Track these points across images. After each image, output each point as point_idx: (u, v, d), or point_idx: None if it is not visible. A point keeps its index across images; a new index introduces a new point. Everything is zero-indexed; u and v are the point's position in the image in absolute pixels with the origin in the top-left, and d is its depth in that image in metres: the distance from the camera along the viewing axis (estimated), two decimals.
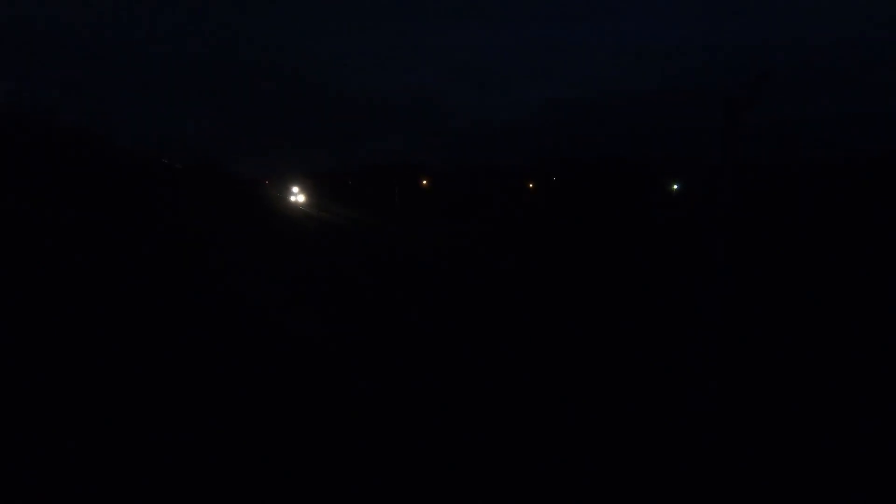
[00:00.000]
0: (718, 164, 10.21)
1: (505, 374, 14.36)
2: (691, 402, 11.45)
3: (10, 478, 7.54)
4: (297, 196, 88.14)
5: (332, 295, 21.56)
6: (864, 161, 51.97)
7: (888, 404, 12.06)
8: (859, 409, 12.06)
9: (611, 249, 33.79)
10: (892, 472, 9.96)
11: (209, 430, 9.76)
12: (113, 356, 10.75)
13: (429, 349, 16.18)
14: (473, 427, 11.39)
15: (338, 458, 9.70)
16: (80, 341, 10.73)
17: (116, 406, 9.65)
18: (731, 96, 9.86)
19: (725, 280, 12.65)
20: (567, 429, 11.57)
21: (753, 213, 33.48)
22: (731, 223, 10.74)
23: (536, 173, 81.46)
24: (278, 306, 16.81)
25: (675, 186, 69.06)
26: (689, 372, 12.15)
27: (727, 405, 11.47)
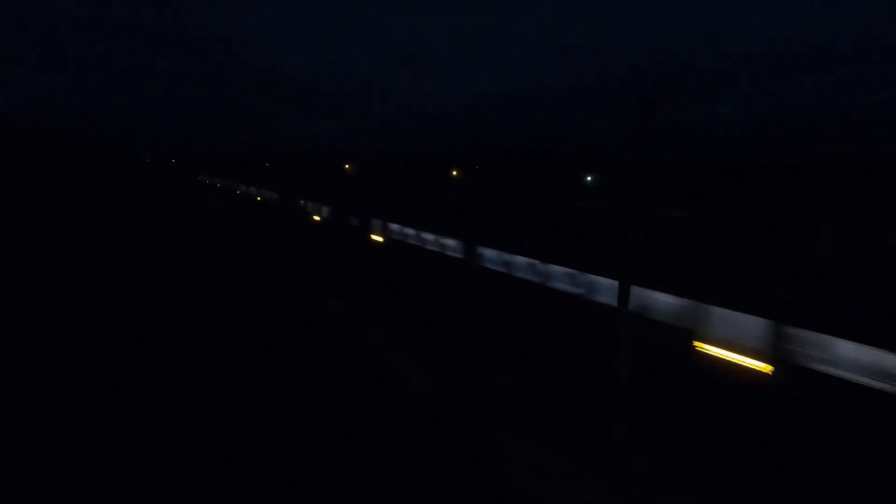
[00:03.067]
0: (634, 160, 10.80)
1: None
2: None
3: None
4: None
5: None
6: (768, 161, 55.57)
7: None
8: None
9: (529, 234, 34.58)
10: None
11: None
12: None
13: None
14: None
15: None
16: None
17: None
18: (646, 96, 10.43)
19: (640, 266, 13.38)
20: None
21: (666, 205, 35.16)
22: (643, 215, 11.40)
23: (468, 162, 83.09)
24: None
25: (592, 178, 71.65)
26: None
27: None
